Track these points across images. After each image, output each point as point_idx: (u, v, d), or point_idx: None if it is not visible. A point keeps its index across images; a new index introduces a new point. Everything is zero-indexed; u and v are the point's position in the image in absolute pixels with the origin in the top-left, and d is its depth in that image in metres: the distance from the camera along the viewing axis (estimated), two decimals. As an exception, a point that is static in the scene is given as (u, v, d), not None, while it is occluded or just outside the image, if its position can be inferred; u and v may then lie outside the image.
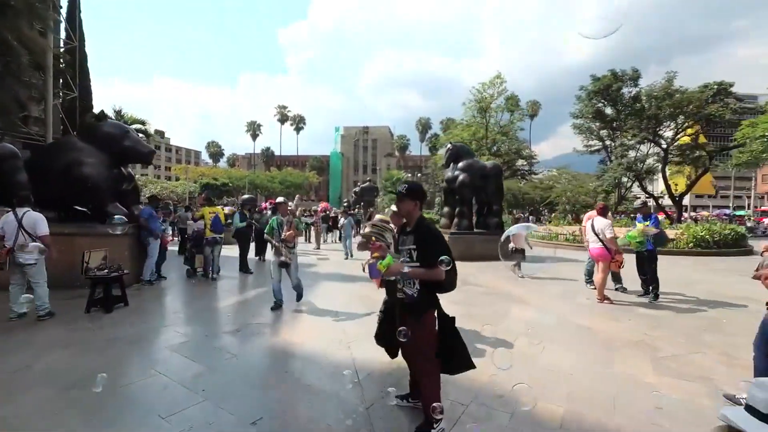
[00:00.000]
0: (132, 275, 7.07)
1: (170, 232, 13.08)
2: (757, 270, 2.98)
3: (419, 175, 52.89)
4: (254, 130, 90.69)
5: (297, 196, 5.76)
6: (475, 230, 12.07)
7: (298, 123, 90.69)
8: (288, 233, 5.64)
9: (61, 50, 15.72)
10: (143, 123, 18.35)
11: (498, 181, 12.47)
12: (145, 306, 5.91)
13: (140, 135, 21.20)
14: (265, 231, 5.94)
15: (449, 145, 12.60)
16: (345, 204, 41.19)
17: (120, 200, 7.43)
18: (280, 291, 5.69)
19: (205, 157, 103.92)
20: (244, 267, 8.85)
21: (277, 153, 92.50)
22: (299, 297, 5.98)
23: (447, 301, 2.80)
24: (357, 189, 33.33)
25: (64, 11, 16.30)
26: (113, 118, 17.71)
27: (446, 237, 11.58)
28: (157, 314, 5.60)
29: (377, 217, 3.57)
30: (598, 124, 31.33)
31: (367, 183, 29.58)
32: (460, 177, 11.98)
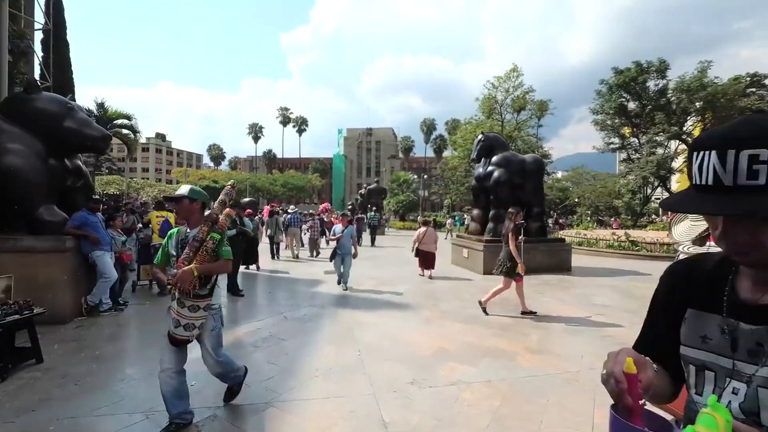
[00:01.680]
0: (73, 306, 5.12)
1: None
2: None
3: (425, 177, 50.85)
4: (256, 132, 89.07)
5: (228, 186, 3.15)
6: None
7: (301, 125, 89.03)
8: (181, 272, 2.50)
9: (36, 30, 13.86)
10: (129, 118, 16.49)
11: (539, 178, 10.48)
12: (69, 362, 3.88)
13: (126, 132, 19.46)
14: (155, 259, 2.92)
15: (480, 136, 10.62)
16: (349, 206, 39.30)
17: (64, 202, 5.51)
18: (175, 398, 2.64)
19: (206, 160, 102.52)
20: (232, 287, 6.89)
21: (279, 155, 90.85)
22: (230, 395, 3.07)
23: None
24: (363, 191, 31.43)
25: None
26: (95, 111, 15.92)
27: (479, 246, 9.44)
28: (84, 382, 3.55)
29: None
30: (620, 120, 29.34)
31: (374, 184, 27.65)
32: (496, 173, 10.00)
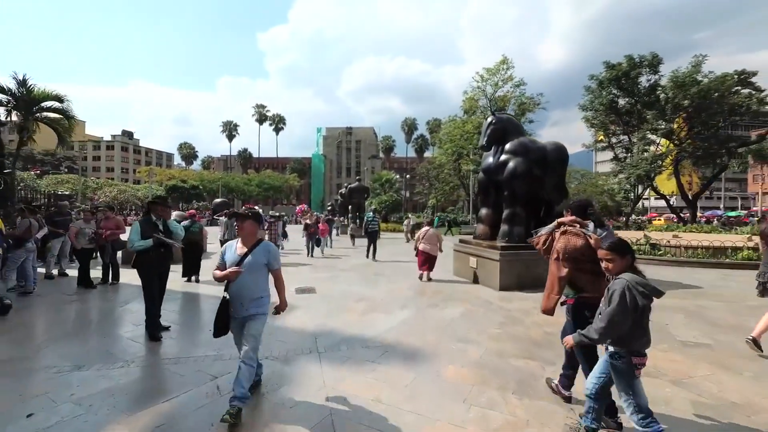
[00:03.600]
0: None
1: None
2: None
3: (408, 176, 49.05)
4: (230, 130, 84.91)
5: None
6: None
7: (278, 123, 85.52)
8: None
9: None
10: (60, 99, 13.54)
11: (562, 170, 8.58)
12: None
13: (53, 115, 16.39)
14: None
15: (491, 118, 8.60)
16: (329, 207, 36.99)
17: None
18: None
19: (178, 159, 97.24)
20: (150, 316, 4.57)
21: (255, 155, 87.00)
22: None
23: None
24: (343, 190, 29.21)
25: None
26: (14, 90, 12.94)
27: (493, 254, 7.21)
28: None
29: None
30: (610, 117, 28.32)
31: (356, 183, 25.44)
32: (512, 164, 8.01)
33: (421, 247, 8.42)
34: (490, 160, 8.66)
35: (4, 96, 13.10)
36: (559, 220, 3.08)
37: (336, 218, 26.25)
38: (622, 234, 16.23)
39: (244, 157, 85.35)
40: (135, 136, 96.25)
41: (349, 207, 25.09)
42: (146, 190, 50.53)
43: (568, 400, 3.02)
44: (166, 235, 4.66)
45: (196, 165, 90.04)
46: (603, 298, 2.34)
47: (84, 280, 7.50)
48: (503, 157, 8.26)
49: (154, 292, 4.60)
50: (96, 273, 7.90)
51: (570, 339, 2.49)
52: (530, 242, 3.21)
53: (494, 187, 8.74)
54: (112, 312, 5.76)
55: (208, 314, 5.81)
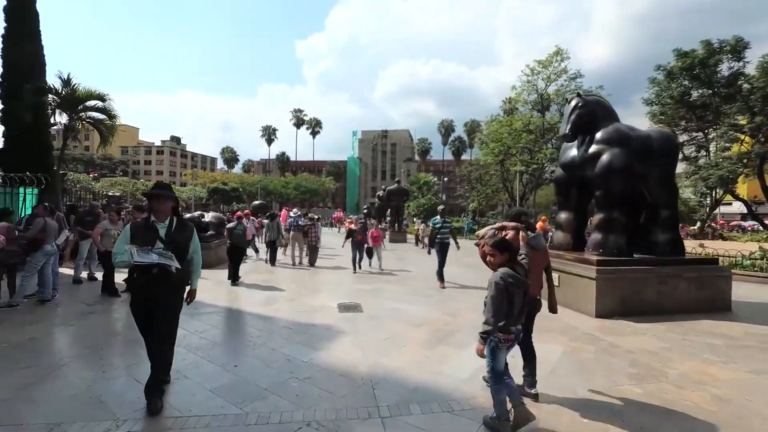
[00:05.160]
0: None
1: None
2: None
3: (446, 179, 47.20)
4: (269, 134, 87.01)
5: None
6: (643, 256, 6.40)
7: (314, 127, 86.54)
8: None
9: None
10: (102, 99, 13.47)
11: (670, 163, 6.81)
12: None
13: (97, 115, 16.49)
14: None
15: (576, 100, 6.95)
16: (365, 210, 36.16)
17: None
18: None
19: (220, 163, 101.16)
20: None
21: (292, 158, 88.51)
22: None
23: None
24: (381, 193, 28.09)
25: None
26: (59, 89, 12.94)
27: (586, 269, 5.62)
28: None
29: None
30: (681, 111, 25.13)
31: (395, 185, 24.17)
32: (606, 156, 6.36)
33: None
34: (573, 152, 7.04)
35: (52, 96, 13.14)
36: (504, 224, 3.42)
37: (370, 221, 25.23)
38: (710, 245, 13.76)
39: (282, 160, 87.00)
40: (182, 141, 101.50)
41: (388, 210, 23.87)
42: (191, 192, 52.34)
43: (535, 398, 3.17)
44: (170, 246, 2.90)
45: (237, 168, 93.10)
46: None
47: (108, 287, 6.75)
48: (593, 148, 6.61)
49: (146, 341, 3.00)
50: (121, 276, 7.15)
51: (478, 347, 2.76)
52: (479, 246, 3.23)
53: (578, 186, 7.11)
54: (126, 333, 4.81)
55: (239, 339, 4.71)
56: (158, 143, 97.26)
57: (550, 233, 17.46)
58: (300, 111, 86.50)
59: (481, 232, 3.37)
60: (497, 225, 3.40)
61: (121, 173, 69.40)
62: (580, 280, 6.07)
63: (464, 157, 75.74)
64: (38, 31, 14.37)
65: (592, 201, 6.97)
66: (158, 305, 2.90)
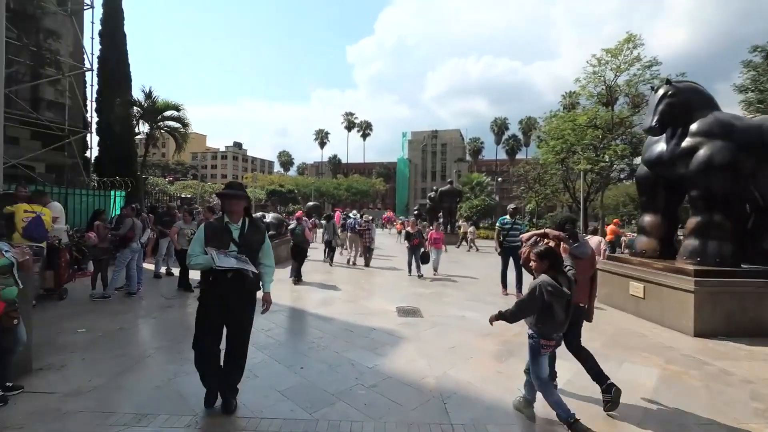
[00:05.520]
0: None
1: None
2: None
3: (500, 179, 45.29)
4: (322, 138, 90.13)
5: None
6: (754, 267, 5.48)
7: (365, 129, 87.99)
8: None
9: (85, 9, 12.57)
10: (177, 109, 14.79)
11: (789, 158, 5.75)
12: None
13: (173, 124, 18.05)
14: None
15: (665, 89, 6.09)
16: (415, 211, 35.84)
17: None
18: None
19: (277, 167, 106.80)
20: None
21: (344, 161, 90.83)
22: None
23: None
24: (433, 194, 27.66)
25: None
26: (141, 101, 14.40)
27: (676, 280, 5.07)
28: None
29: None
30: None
31: (448, 186, 23.63)
32: (705, 150, 5.52)
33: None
34: (661, 147, 6.22)
35: (136, 108, 14.65)
36: (546, 230, 3.39)
37: (420, 223, 24.90)
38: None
39: (334, 163, 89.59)
40: (243, 147, 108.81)
41: (440, 212, 23.40)
42: (251, 194, 55.79)
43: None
44: (244, 249, 2.78)
45: (292, 171, 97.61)
46: None
47: (183, 283, 7.25)
48: (687, 141, 5.79)
49: (204, 345, 2.78)
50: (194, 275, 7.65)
51: (491, 315, 2.92)
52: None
53: (666, 186, 6.29)
54: (189, 326, 5.07)
55: (302, 339, 4.75)
56: (222, 149, 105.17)
57: (625, 238, 15.96)
58: (351, 114, 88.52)
59: (525, 236, 3.44)
60: (539, 231, 3.39)
61: (191, 177, 76.11)
62: (673, 293, 5.32)
63: (519, 156, 72.39)
64: (126, 52, 16.13)
65: (685, 202, 6.13)
66: (233, 312, 2.80)
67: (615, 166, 23.25)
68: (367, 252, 10.93)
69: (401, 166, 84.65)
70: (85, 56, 12.93)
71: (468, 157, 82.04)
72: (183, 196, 36.47)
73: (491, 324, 2.90)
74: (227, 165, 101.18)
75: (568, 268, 2.91)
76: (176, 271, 8.41)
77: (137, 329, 5.04)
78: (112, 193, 12.44)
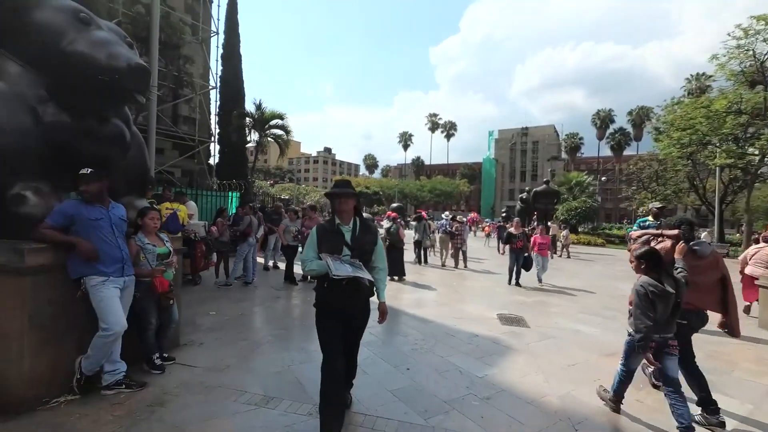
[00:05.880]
0: (40, 380, 2.70)
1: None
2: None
3: (604, 178, 40.26)
4: (405, 140, 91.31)
5: None
6: None
7: (449, 129, 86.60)
8: None
9: (212, 36, 14.67)
10: (281, 117, 16.31)
11: None
12: None
13: (278, 132, 19.90)
14: None
15: None
16: (504, 213, 33.92)
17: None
18: None
19: (363, 169, 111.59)
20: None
21: (427, 162, 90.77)
22: None
23: None
24: (525, 195, 25.94)
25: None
26: (253, 112, 16.22)
27: None
28: None
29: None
30: None
31: (543, 186, 21.80)
32: None
33: (749, 270, 6.27)
34: None
35: (248, 119, 16.56)
36: (663, 230, 3.29)
37: (509, 225, 23.40)
38: None
39: (417, 164, 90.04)
40: (332, 151, 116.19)
41: (534, 215, 21.68)
42: (339, 196, 59.07)
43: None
44: (357, 252, 2.52)
45: (377, 174, 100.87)
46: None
47: (288, 276, 7.86)
48: None
49: (332, 359, 2.46)
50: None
51: (645, 355, 2.71)
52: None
53: None
54: (306, 320, 5.39)
55: (404, 340, 4.69)
56: (314, 154, 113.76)
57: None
58: (435, 115, 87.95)
59: (635, 234, 3.43)
60: (655, 231, 3.29)
61: (288, 180, 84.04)
62: None
63: (628, 152, 63.60)
64: (241, 70, 18.35)
65: None
66: (350, 324, 2.59)
67: (768, 160, 18.78)
68: (459, 254, 10.57)
69: (487, 166, 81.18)
70: (210, 76, 15.08)
71: (563, 155, 74.92)
72: (282, 197, 40.38)
73: (650, 363, 2.76)
74: (318, 169, 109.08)
75: (679, 270, 2.81)
76: (282, 265, 9.22)
77: (255, 316, 5.55)
78: (230, 194, 14.23)
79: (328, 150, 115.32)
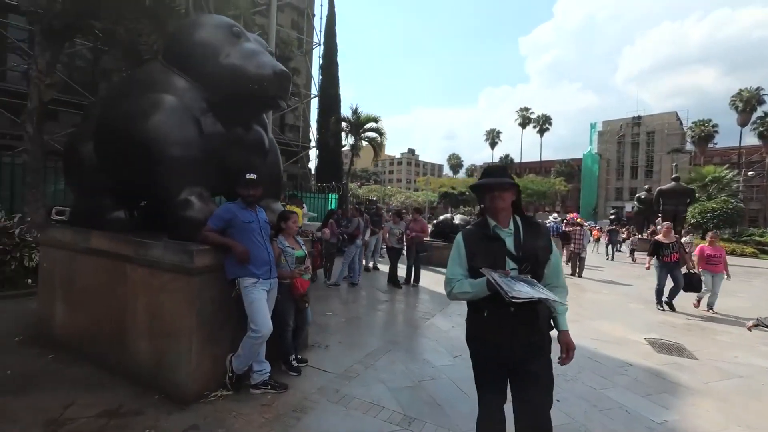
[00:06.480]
0: (203, 375, 2.88)
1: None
2: None
3: (751, 173, 32.73)
4: (493, 138, 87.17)
5: None
6: None
7: (543, 124, 79.96)
8: None
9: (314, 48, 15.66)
10: (376, 120, 16.62)
11: None
12: None
13: (372, 134, 20.35)
14: None
15: None
16: (612, 215, 30.06)
17: (228, 185, 3.51)
18: None
19: (447, 170, 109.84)
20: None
21: (516, 160, 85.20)
22: None
23: None
24: (643, 194, 22.53)
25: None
26: (349, 117, 16.86)
27: None
28: None
29: None
30: None
31: (672, 184, 18.43)
32: None
33: None
34: None
35: (345, 124, 17.28)
36: None
37: (621, 229, 20.30)
38: None
39: (506, 163, 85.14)
40: (416, 153, 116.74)
41: (659, 217, 18.47)
42: (424, 197, 58.90)
43: None
44: (526, 264, 1.83)
45: (461, 173, 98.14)
46: None
47: (392, 279, 7.77)
48: None
49: (492, 414, 1.91)
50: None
51: None
52: None
53: None
54: (417, 324, 5.14)
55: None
56: (398, 156, 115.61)
57: None
58: (526, 109, 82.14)
59: None
60: None
61: (373, 182, 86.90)
62: None
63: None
64: (338, 78, 19.26)
65: None
66: (524, 369, 1.84)
67: None
68: (575, 259, 9.35)
69: (588, 163, 72.73)
70: (312, 85, 16.12)
71: (688, 146, 63.28)
72: (370, 198, 41.75)
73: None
74: (401, 170, 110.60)
75: None
76: (381, 266, 9.27)
77: (369, 319, 5.47)
78: (329, 195, 14.99)
79: (411, 151, 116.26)
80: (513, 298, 1.61)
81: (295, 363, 3.37)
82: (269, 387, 2.98)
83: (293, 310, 3.34)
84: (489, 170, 2.03)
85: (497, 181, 1.88)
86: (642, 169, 67.40)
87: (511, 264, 1.83)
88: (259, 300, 2.84)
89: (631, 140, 69.94)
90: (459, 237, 1.98)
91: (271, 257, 3.00)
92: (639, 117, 70.13)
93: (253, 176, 2.95)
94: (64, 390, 2.83)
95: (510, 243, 1.87)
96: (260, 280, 2.88)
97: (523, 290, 1.67)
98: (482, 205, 1.98)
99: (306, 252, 3.46)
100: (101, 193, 3.50)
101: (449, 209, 51.11)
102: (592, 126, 76.72)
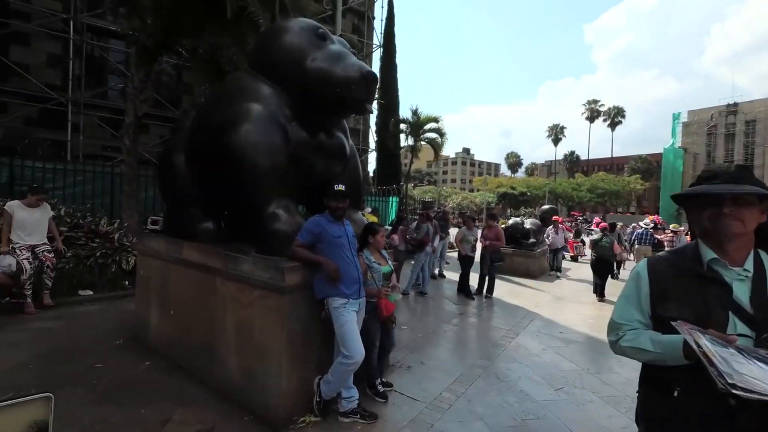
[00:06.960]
0: (292, 397, 2.71)
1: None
2: None
3: None
4: (556, 134, 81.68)
5: None
6: None
7: (614, 117, 73.21)
8: None
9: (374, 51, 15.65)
10: (436, 120, 16.11)
11: None
12: None
13: (431, 135, 19.81)
14: None
15: None
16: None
17: (312, 201, 3.39)
18: None
19: (504, 169, 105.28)
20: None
21: (583, 157, 78.95)
22: None
23: None
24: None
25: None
26: (409, 118, 16.53)
27: None
28: None
29: None
30: None
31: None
32: None
33: None
34: None
35: (404, 125, 17.03)
36: None
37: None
38: None
39: (571, 160, 79.30)
40: (471, 152, 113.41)
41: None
42: (481, 197, 56.80)
43: None
44: (764, 327, 1.09)
45: (520, 173, 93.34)
46: None
47: (464, 289, 7.31)
48: None
49: None
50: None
51: None
52: None
53: None
54: (502, 344, 4.64)
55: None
56: (452, 155, 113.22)
57: None
58: (595, 102, 75.81)
59: None
60: None
61: (426, 183, 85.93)
62: None
63: None
64: (396, 79, 19.09)
65: None
66: None
67: None
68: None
69: (670, 158, 64.88)
70: (372, 88, 16.07)
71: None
72: (425, 200, 41.16)
73: None
74: (456, 170, 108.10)
75: None
76: (447, 273, 8.82)
77: (447, 335, 5.07)
78: (390, 199, 14.83)
79: (466, 150, 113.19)
80: (735, 387, 0.91)
81: (381, 388, 3.12)
82: (358, 416, 2.74)
83: (380, 331, 3.09)
84: (717, 173, 1.23)
85: (735, 189, 1.14)
86: (739, 162, 58.64)
87: (739, 326, 1.12)
88: (351, 323, 2.62)
89: (725, 131, 61.21)
90: (642, 266, 1.32)
91: (360, 275, 2.77)
92: (735, 104, 61.18)
93: (341, 187, 2.75)
94: (161, 402, 2.84)
95: (743, 291, 1.15)
96: (350, 300, 2.66)
97: (759, 377, 0.94)
98: (692, 229, 1.33)
99: (392, 267, 3.19)
100: (192, 203, 3.54)
101: (509, 211, 48.72)
102: (675, 117, 68.28)
